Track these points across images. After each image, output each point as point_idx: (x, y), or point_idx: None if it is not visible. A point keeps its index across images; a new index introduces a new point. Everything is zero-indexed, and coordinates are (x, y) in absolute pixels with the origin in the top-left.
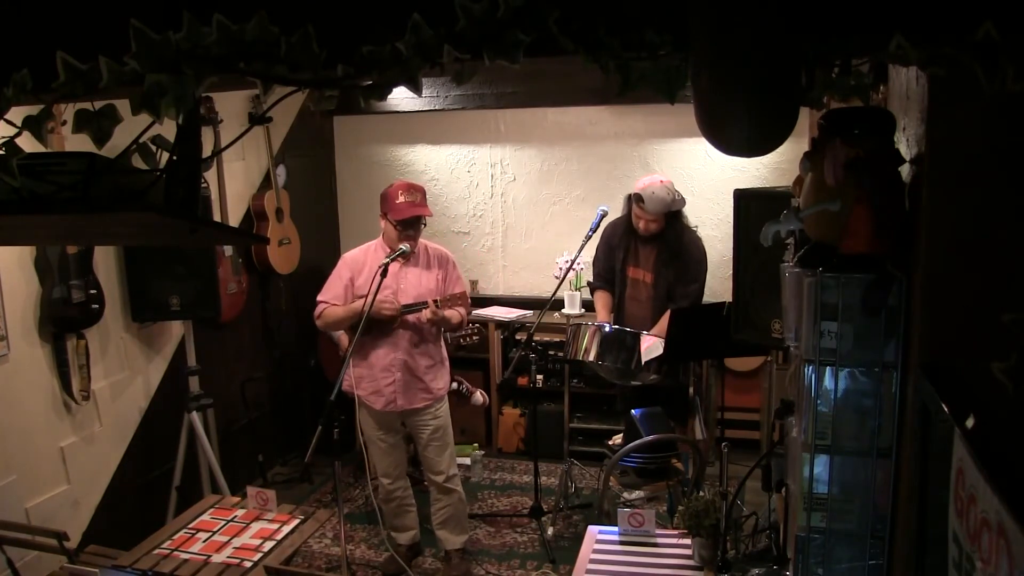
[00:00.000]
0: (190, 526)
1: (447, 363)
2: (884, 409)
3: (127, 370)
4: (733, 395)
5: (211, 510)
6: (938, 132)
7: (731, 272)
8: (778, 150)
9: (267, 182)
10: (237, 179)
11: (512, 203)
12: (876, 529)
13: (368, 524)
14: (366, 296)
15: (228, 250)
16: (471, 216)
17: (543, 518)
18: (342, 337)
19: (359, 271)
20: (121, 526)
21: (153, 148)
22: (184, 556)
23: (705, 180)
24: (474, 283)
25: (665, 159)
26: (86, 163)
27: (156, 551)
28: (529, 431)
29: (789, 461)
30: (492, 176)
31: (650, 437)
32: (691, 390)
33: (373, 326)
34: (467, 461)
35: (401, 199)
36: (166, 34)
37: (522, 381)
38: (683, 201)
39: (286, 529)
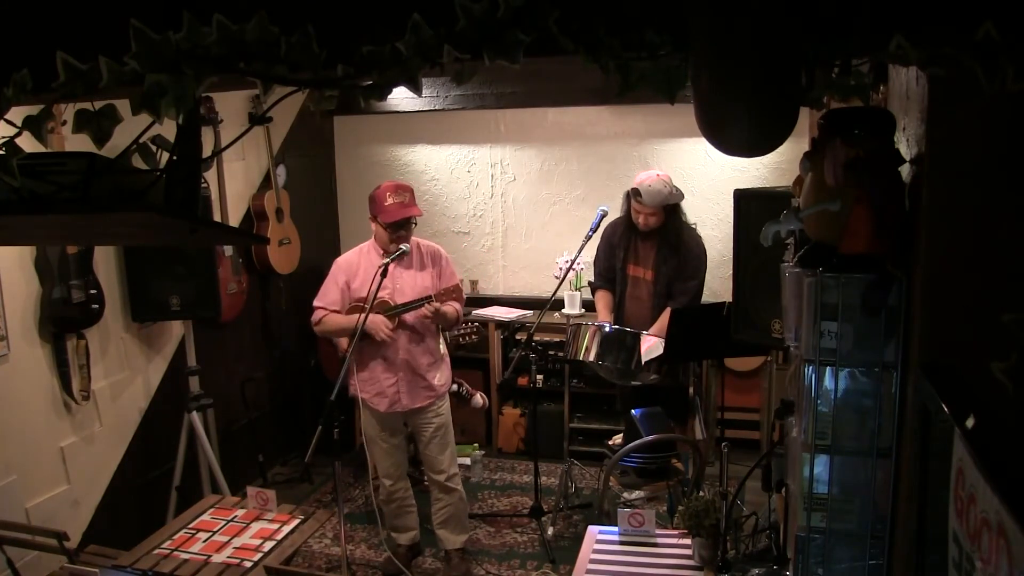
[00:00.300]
0: (190, 526)
1: (447, 359)
2: (884, 409)
3: (127, 370)
4: (733, 395)
5: (211, 510)
6: (938, 132)
7: (731, 272)
8: (778, 150)
9: (267, 182)
10: (237, 179)
11: (512, 203)
12: (876, 529)
13: (368, 524)
14: (364, 299)
15: (228, 250)
16: (471, 216)
17: (543, 518)
18: (341, 339)
19: (354, 274)
20: (121, 526)
21: (153, 148)
22: (184, 556)
23: (705, 180)
24: (474, 283)
25: (665, 159)
26: (86, 163)
27: (156, 551)
28: (529, 431)
29: (789, 461)
30: (492, 176)
31: (650, 437)
32: (691, 390)
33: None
34: (467, 461)
35: (390, 201)
36: (166, 34)
37: (522, 381)
38: (681, 195)
39: (286, 529)
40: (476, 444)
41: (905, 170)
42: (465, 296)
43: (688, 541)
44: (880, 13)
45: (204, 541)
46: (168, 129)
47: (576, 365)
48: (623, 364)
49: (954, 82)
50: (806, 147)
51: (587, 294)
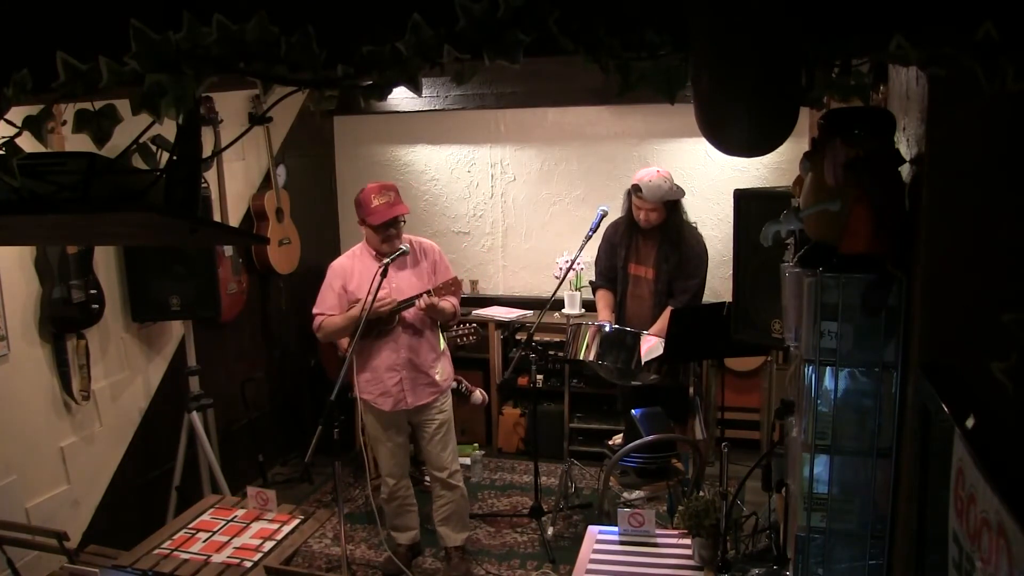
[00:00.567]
0: (190, 526)
1: (448, 353)
2: (884, 409)
3: (127, 370)
4: (733, 395)
5: (211, 510)
6: (938, 132)
7: (731, 272)
8: (778, 150)
9: (267, 182)
10: (237, 179)
11: (512, 203)
12: (876, 529)
13: (368, 524)
14: (364, 300)
15: (228, 250)
16: (471, 216)
17: (543, 518)
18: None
19: (350, 277)
20: (121, 526)
21: (153, 148)
22: (184, 556)
23: (705, 180)
24: (474, 283)
25: (665, 159)
26: (86, 163)
27: (156, 551)
28: (529, 431)
29: (789, 461)
30: (492, 176)
31: (650, 437)
32: (691, 390)
33: (372, 328)
34: (467, 461)
35: (375, 202)
36: (166, 34)
37: (522, 381)
38: (681, 191)
39: (286, 529)
40: (476, 444)
41: (905, 170)
42: (465, 295)
43: (688, 541)
44: (880, 13)
45: (204, 541)
46: (168, 129)
47: (576, 365)
48: (623, 364)
49: (954, 82)
50: (806, 147)
51: (587, 294)
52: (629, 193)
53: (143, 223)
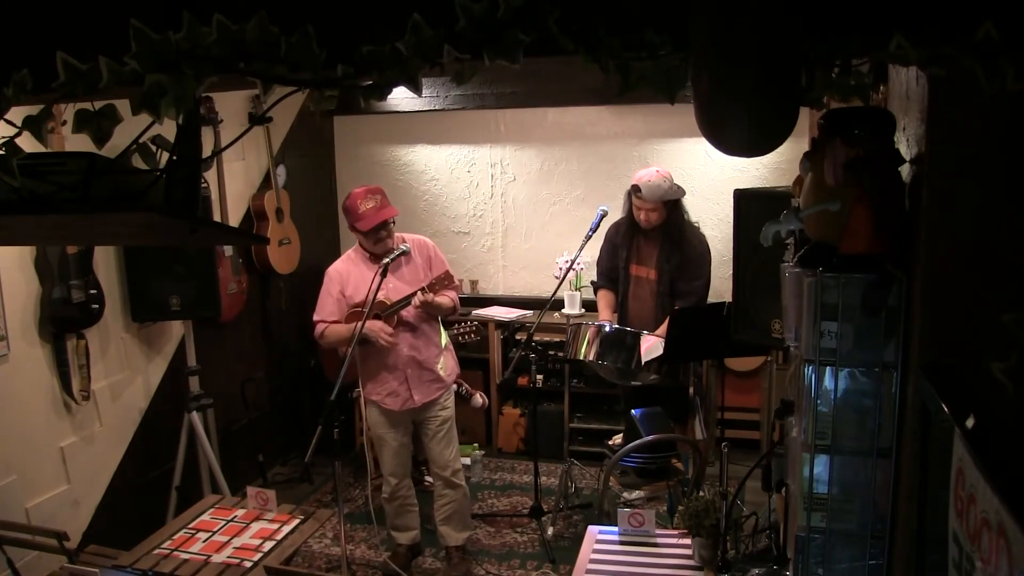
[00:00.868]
0: (190, 526)
1: (451, 348)
2: (884, 409)
3: (127, 370)
4: (733, 395)
5: (211, 510)
6: (938, 132)
7: (731, 272)
8: (778, 150)
9: (267, 182)
10: (237, 179)
11: (512, 203)
12: (876, 529)
13: (368, 524)
14: (361, 303)
15: (228, 250)
16: (471, 216)
17: (543, 518)
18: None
19: (346, 282)
20: (121, 526)
21: (153, 148)
22: (184, 556)
23: (705, 180)
24: (474, 283)
25: (665, 159)
26: (86, 163)
27: (156, 551)
28: (529, 431)
29: (789, 461)
30: (492, 176)
31: (650, 437)
32: (691, 390)
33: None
34: (467, 461)
35: (363, 208)
36: (166, 34)
37: (522, 381)
38: (681, 191)
39: (286, 529)
40: (476, 444)
41: (905, 170)
42: (465, 295)
43: (688, 541)
44: (880, 13)
45: (204, 541)
46: (168, 129)
47: (576, 365)
48: (623, 364)
49: (954, 82)
50: (806, 147)
51: (587, 294)
52: (629, 194)
53: (143, 223)
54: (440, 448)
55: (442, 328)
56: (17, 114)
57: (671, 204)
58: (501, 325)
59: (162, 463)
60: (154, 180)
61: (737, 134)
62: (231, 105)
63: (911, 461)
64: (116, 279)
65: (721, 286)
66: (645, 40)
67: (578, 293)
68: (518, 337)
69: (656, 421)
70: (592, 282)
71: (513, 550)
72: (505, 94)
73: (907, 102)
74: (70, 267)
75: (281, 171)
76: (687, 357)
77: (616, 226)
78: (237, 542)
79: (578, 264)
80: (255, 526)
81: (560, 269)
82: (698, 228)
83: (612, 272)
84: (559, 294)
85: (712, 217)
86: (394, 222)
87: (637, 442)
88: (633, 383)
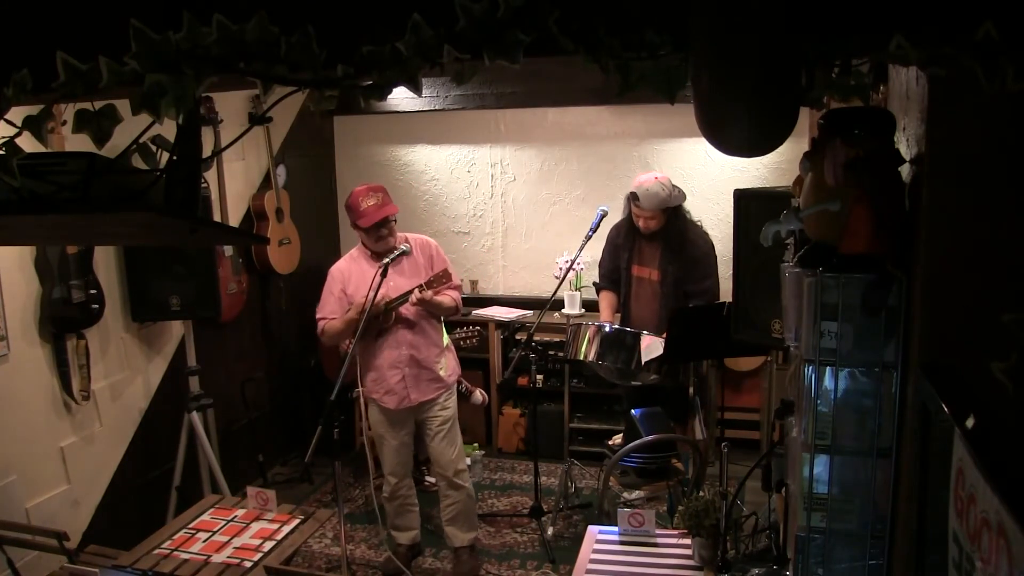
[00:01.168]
0: (190, 526)
1: (452, 349)
2: (884, 409)
3: (127, 370)
4: (733, 395)
5: (211, 510)
6: (938, 132)
7: (731, 272)
8: (778, 150)
9: (267, 182)
10: (237, 179)
11: (512, 203)
12: (876, 529)
13: (368, 524)
14: (361, 302)
15: (228, 250)
16: (471, 216)
17: (543, 518)
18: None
19: (348, 280)
20: (121, 526)
21: (153, 148)
22: (184, 556)
23: (705, 180)
24: (474, 283)
25: (665, 159)
26: (86, 163)
27: (156, 551)
28: (529, 431)
29: (789, 461)
30: (492, 176)
31: (650, 437)
32: (691, 390)
33: (371, 328)
34: (467, 461)
35: (364, 205)
36: (166, 34)
37: (522, 381)
38: (682, 196)
39: (286, 529)
40: (476, 444)
41: (905, 170)
42: (465, 295)
43: (688, 541)
44: (880, 13)
45: (204, 541)
46: (168, 129)
47: (576, 365)
48: (623, 364)
49: (954, 82)
50: (806, 147)
51: (587, 294)
52: (628, 197)
53: (143, 223)
54: (442, 448)
55: (444, 328)
56: (17, 114)
57: (671, 210)
58: (501, 325)
59: (162, 463)
60: (154, 180)
61: (737, 134)
62: (231, 105)
63: (911, 461)
64: (116, 279)
65: (721, 286)
66: (645, 40)
67: (578, 293)
68: (518, 337)
69: (656, 421)
70: (594, 283)
71: (513, 550)
72: (505, 94)
73: (907, 102)
74: (70, 267)
75: (281, 171)
76: (687, 357)
77: (617, 227)
78: (237, 542)
79: (578, 264)
80: (255, 526)
81: (560, 269)
82: (700, 226)
83: (614, 273)
84: (559, 294)
85: (712, 217)
86: (395, 221)
87: (637, 442)
88: (633, 383)
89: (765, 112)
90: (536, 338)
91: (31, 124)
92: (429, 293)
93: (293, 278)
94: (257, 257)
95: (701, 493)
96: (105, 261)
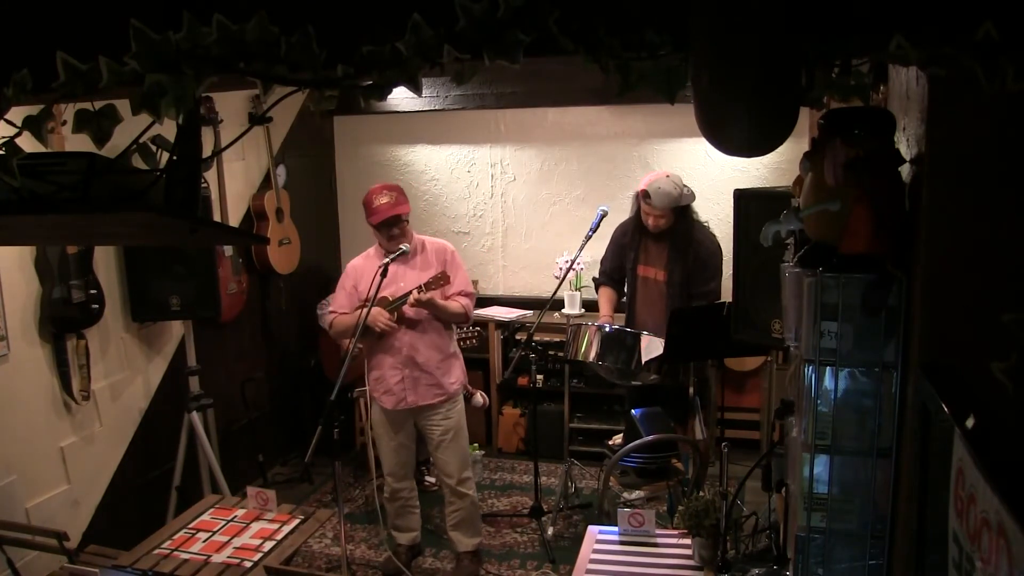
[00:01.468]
0: (190, 526)
1: (460, 358)
2: (884, 409)
3: (127, 370)
4: (733, 395)
5: (211, 510)
6: (938, 132)
7: (731, 272)
8: (778, 150)
9: (267, 182)
10: (237, 179)
11: (512, 203)
12: (876, 529)
13: (368, 524)
14: (365, 301)
15: (228, 250)
16: (471, 216)
17: (543, 518)
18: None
19: (360, 277)
20: (121, 526)
21: (153, 148)
22: (184, 556)
23: (705, 180)
24: (474, 283)
25: (665, 159)
26: (86, 163)
27: (156, 551)
28: (529, 431)
29: (789, 461)
30: (492, 176)
31: (650, 437)
32: (691, 390)
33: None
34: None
35: (377, 202)
36: (166, 34)
37: (522, 381)
38: (692, 196)
39: (286, 529)
40: (476, 444)
41: (905, 170)
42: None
43: (688, 541)
44: (880, 13)
45: (204, 541)
46: (168, 129)
47: (576, 365)
48: (623, 364)
49: (954, 82)
50: (806, 147)
51: (587, 294)
52: (638, 195)
53: (143, 223)
54: (446, 457)
55: (454, 337)
56: (17, 114)
57: (680, 209)
58: (501, 325)
59: (162, 463)
60: (154, 180)
61: (737, 134)
62: (231, 105)
63: (911, 461)
64: (116, 279)
65: (721, 286)
66: (645, 40)
67: (578, 293)
68: (518, 337)
69: (656, 421)
70: (594, 278)
71: (513, 550)
72: (505, 94)
73: (907, 102)
74: (70, 267)
75: (281, 171)
76: (687, 357)
77: (623, 226)
78: (237, 542)
79: (578, 264)
80: (255, 526)
81: (560, 269)
82: (707, 227)
83: (616, 272)
84: (559, 294)
85: (712, 217)
86: (407, 221)
87: (637, 442)
88: (633, 383)
89: (765, 112)
90: (536, 338)
91: (31, 124)
92: (427, 295)
93: (293, 278)
94: (257, 257)
95: (701, 493)
96: (105, 261)
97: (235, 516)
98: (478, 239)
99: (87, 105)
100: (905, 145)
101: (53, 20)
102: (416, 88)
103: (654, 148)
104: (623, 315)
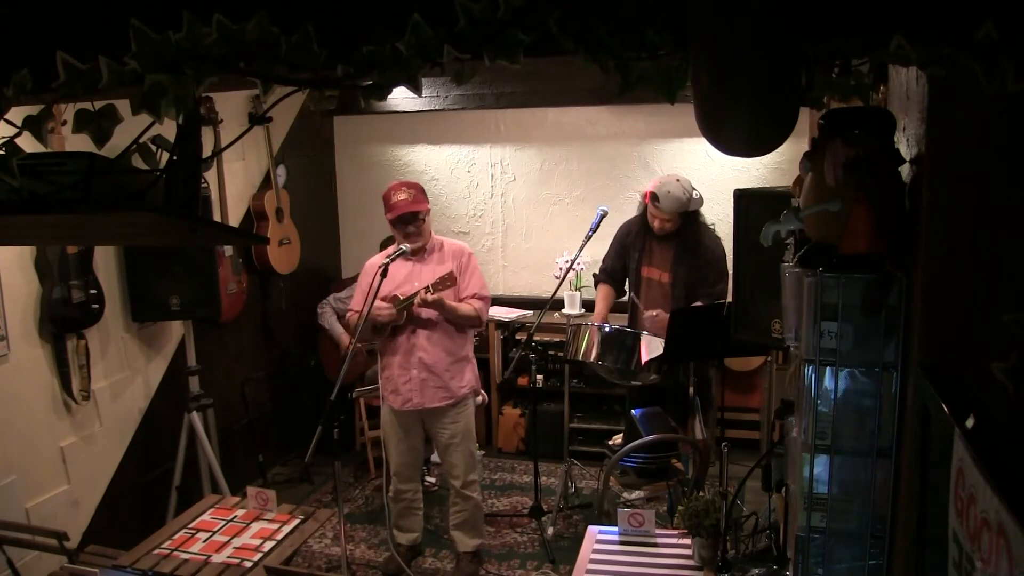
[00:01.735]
0: (190, 526)
1: (472, 362)
2: (884, 409)
3: (127, 370)
4: (733, 395)
5: (211, 510)
6: (938, 132)
7: (731, 272)
8: (778, 150)
9: (267, 182)
10: (237, 179)
11: (512, 203)
12: (876, 529)
13: (368, 524)
14: (383, 298)
15: (228, 250)
16: (471, 216)
17: (543, 518)
18: (343, 337)
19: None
20: (121, 526)
21: (153, 148)
22: (184, 556)
23: (705, 180)
24: None
25: (665, 159)
26: (86, 163)
27: (156, 551)
28: (529, 431)
29: (789, 461)
30: (492, 176)
31: (650, 437)
32: (691, 390)
33: (385, 326)
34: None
35: (395, 198)
36: (166, 34)
37: (522, 381)
38: (701, 201)
39: (286, 529)
40: (476, 444)
41: (905, 170)
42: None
43: (688, 541)
44: (880, 13)
45: (204, 541)
46: (168, 129)
47: (576, 365)
48: (623, 364)
49: (954, 82)
50: (806, 147)
51: (587, 294)
52: (645, 195)
53: (143, 223)
54: (452, 460)
55: (468, 339)
56: (17, 114)
57: (687, 213)
58: (501, 325)
59: (162, 463)
60: (154, 180)
61: (737, 134)
62: (231, 105)
63: (911, 461)
64: (116, 279)
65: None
66: (645, 40)
67: (578, 293)
68: (518, 337)
69: (656, 421)
70: (594, 275)
71: (513, 550)
72: (505, 94)
73: (907, 102)
74: (70, 267)
75: (281, 171)
76: (687, 357)
77: (628, 226)
78: (237, 542)
79: (578, 264)
80: (255, 526)
81: (560, 269)
82: (713, 229)
83: (617, 272)
84: (559, 294)
85: (712, 217)
86: (423, 219)
87: (637, 442)
88: (633, 383)
89: (765, 112)
90: (536, 338)
91: (31, 124)
92: (433, 295)
93: (293, 278)
94: (257, 257)
95: (701, 493)
96: (105, 261)
97: (235, 516)
98: (478, 239)
99: (87, 105)
100: (905, 145)
101: (53, 20)
102: (416, 88)
103: (654, 148)
104: (620, 315)
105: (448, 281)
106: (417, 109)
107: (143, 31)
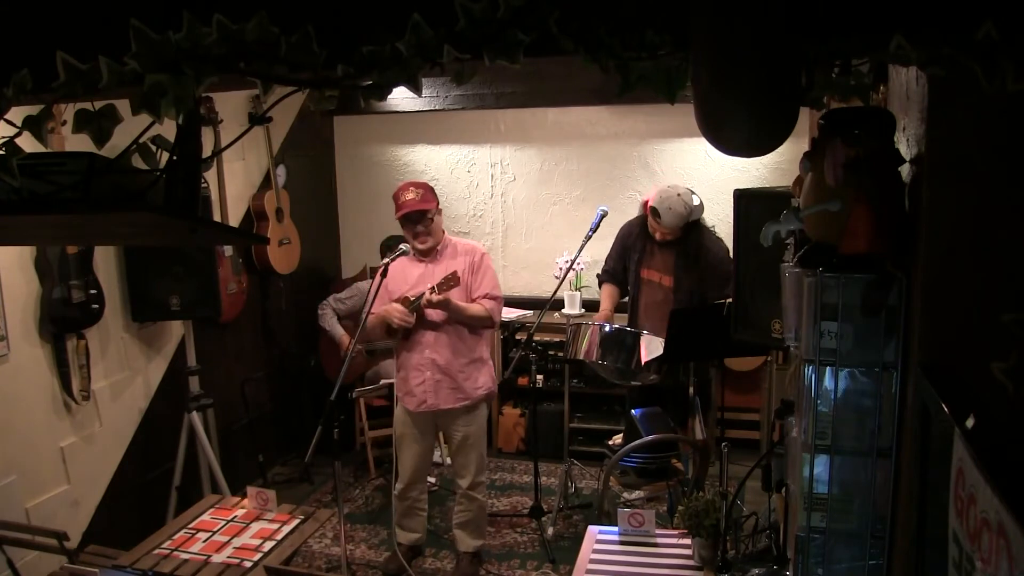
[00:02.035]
0: (190, 526)
1: (488, 364)
2: (884, 409)
3: (127, 370)
4: (733, 395)
5: (211, 510)
6: (938, 132)
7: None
8: (778, 150)
9: (267, 182)
10: (237, 179)
11: (512, 203)
12: (876, 529)
13: (368, 524)
14: (399, 299)
15: (228, 250)
16: (471, 216)
17: (543, 518)
18: (343, 337)
19: (390, 277)
20: (121, 526)
21: (153, 148)
22: (184, 556)
23: (705, 180)
24: None
25: (665, 159)
26: (86, 163)
27: (156, 551)
28: (529, 431)
29: (789, 461)
30: (492, 176)
31: (650, 437)
32: (691, 390)
33: (399, 327)
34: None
35: (404, 197)
36: (166, 34)
37: (522, 381)
38: (701, 208)
39: (286, 529)
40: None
41: (905, 170)
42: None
43: (688, 541)
44: (880, 13)
45: (204, 541)
46: (168, 129)
47: (576, 365)
48: (623, 364)
49: (954, 82)
50: (806, 147)
51: (587, 294)
52: (646, 203)
53: (143, 223)
54: (461, 461)
55: (484, 341)
56: (17, 114)
57: (690, 223)
58: (501, 325)
59: (162, 463)
60: (154, 180)
61: (737, 134)
62: (231, 105)
63: (911, 461)
64: (116, 279)
65: None
66: (645, 40)
67: (578, 293)
68: (518, 337)
69: (656, 421)
70: (597, 275)
71: (513, 550)
72: (505, 94)
73: (907, 102)
74: (70, 267)
75: (281, 171)
76: (687, 357)
77: (629, 227)
78: (237, 542)
79: (578, 264)
80: (255, 526)
81: (560, 269)
82: (714, 232)
83: (619, 273)
84: (559, 294)
85: (712, 217)
86: (432, 219)
87: (637, 442)
88: (633, 383)
89: (765, 112)
90: (536, 338)
91: (31, 124)
92: (439, 296)
93: (293, 278)
94: (257, 257)
95: (701, 493)
96: (105, 261)
97: (235, 516)
98: (478, 239)
99: (87, 105)
100: (905, 145)
101: (53, 20)
102: (416, 88)
103: (654, 148)
104: (624, 314)
105: (452, 281)
106: (417, 109)
107: (143, 31)
